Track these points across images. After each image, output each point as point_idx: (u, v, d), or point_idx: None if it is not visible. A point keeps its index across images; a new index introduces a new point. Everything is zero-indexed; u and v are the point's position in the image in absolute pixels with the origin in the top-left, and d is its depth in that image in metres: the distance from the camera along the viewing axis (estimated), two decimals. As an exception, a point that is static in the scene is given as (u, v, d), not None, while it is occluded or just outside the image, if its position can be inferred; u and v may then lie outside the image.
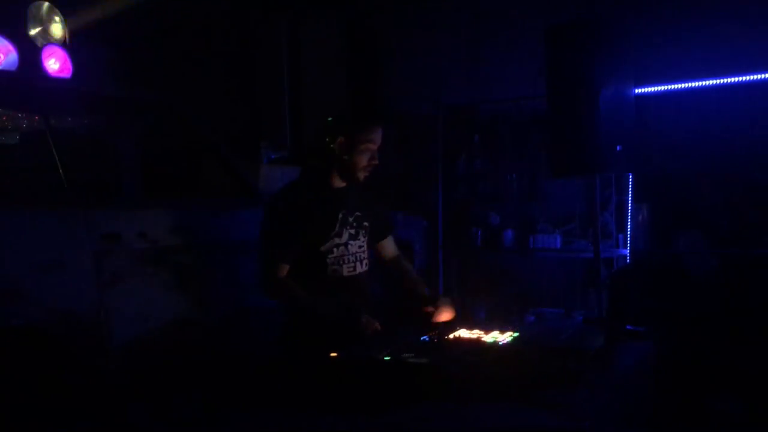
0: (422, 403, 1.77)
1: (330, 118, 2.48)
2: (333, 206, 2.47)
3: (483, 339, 2.23)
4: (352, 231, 2.50)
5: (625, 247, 4.79)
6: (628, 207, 4.78)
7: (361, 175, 2.45)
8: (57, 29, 3.36)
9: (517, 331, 2.34)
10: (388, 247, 2.74)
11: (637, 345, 2.41)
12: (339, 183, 2.50)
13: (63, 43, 3.32)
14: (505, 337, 2.24)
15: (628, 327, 2.50)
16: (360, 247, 2.52)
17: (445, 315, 2.44)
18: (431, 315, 2.44)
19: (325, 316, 2.37)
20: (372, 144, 2.41)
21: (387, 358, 1.94)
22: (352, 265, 2.48)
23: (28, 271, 2.67)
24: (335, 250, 2.44)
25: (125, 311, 2.95)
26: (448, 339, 2.23)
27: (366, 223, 2.56)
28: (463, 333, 2.30)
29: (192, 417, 2.83)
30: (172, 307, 3.14)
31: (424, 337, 2.22)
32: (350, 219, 2.50)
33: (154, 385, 3.00)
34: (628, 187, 4.79)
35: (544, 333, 2.49)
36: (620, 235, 4.84)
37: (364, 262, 2.55)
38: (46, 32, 3.32)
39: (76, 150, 3.10)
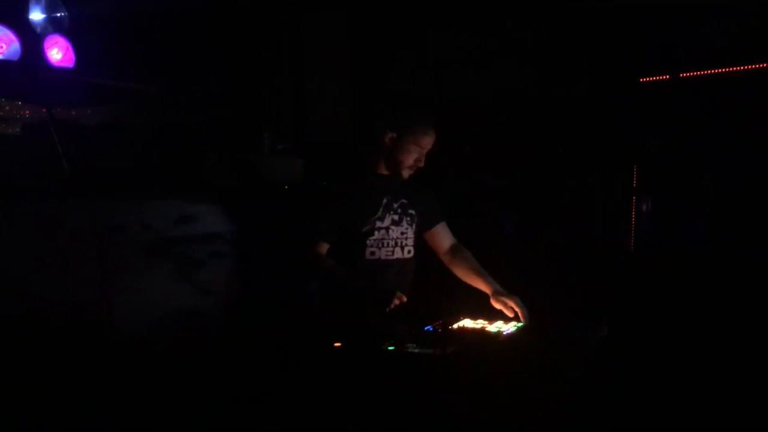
0: (425, 393, 1.77)
1: (382, 108, 2.51)
2: (378, 191, 2.51)
3: (487, 329, 2.23)
4: (396, 217, 2.53)
5: (630, 238, 4.78)
6: (632, 198, 4.77)
7: (405, 173, 2.50)
8: (60, 18, 3.34)
9: (522, 321, 2.34)
10: (442, 236, 2.73)
11: (640, 335, 2.40)
12: (385, 170, 2.54)
13: (66, 33, 3.31)
14: (509, 328, 2.23)
15: (631, 318, 2.50)
16: (402, 233, 2.55)
17: (517, 315, 2.38)
18: (501, 312, 2.41)
19: (353, 290, 2.37)
20: (420, 147, 2.45)
21: (390, 348, 1.94)
22: (391, 249, 2.51)
23: (30, 263, 2.67)
24: (376, 233, 2.47)
25: (129, 303, 2.94)
26: (452, 329, 2.22)
27: (411, 211, 2.58)
28: (467, 323, 2.30)
29: (196, 409, 2.84)
30: (176, 299, 3.14)
31: (428, 327, 2.22)
32: (395, 205, 2.53)
33: (158, 378, 3.01)
34: (633, 178, 4.77)
35: (547, 324, 2.47)
36: (624, 226, 4.82)
37: (406, 249, 2.57)
38: (48, 21, 3.30)
39: (79, 140, 3.09)
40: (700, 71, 4.52)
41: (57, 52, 3.22)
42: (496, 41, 5.30)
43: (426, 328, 2.20)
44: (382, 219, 2.49)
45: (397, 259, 2.54)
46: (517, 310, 2.38)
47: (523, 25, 4.92)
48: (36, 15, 3.27)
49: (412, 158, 2.45)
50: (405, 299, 2.26)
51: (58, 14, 3.35)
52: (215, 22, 5.76)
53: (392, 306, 2.22)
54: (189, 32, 5.55)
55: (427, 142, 2.46)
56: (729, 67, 4.44)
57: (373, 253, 2.48)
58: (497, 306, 2.44)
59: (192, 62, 5.73)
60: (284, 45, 6.15)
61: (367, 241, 2.47)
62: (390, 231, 2.51)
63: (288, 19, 6.11)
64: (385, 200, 2.50)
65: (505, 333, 2.18)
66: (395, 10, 5.78)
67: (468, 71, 5.41)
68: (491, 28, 5.34)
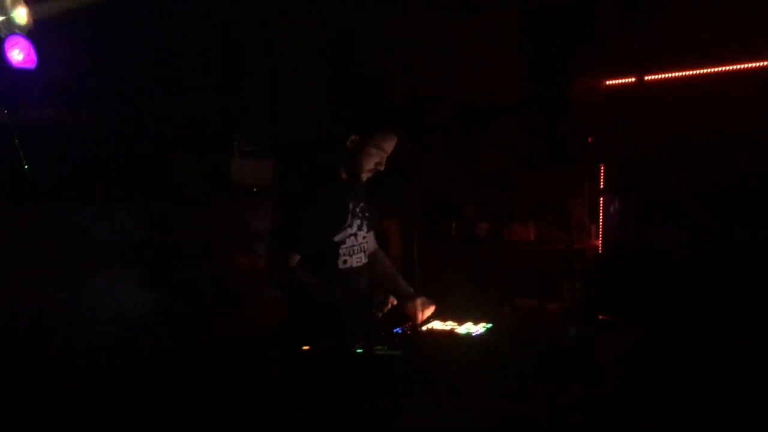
0: (394, 396, 1.76)
1: (346, 112, 2.50)
2: (343, 197, 2.49)
3: (456, 330, 2.23)
4: (359, 222, 2.52)
5: (598, 238, 4.84)
6: (599, 198, 4.82)
7: (364, 177, 2.48)
8: (21, 18, 3.27)
9: (490, 323, 2.34)
10: (373, 241, 2.74)
11: (610, 334, 2.42)
12: (345, 176, 2.52)
13: (27, 33, 3.24)
14: (478, 329, 2.24)
15: (601, 317, 2.52)
16: (364, 237, 2.55)
17: (425, 313, 2.42)
18: (412, 313, 2.42)
19: (337, 300, 2.35)
20: (382, 151, 2.44)
21: (359, 350, 1.93)
22: (359, 255, 2.51)
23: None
24: (347, 240, 2.46)
25: (96, 307, 2.90)
26: (421, 331, 2.22)
27: (368, 215, 2.59)
28: (437, 325, 2.30)
29: (167, 413, 2.80)
30: (143, 303, 3.09)
31: (397, 329, 2.21)
32: (357, 210, 2.52)
33: (127, 383, 2.96)
34: (600, 179, 4.83)
35: (518, 324, 2.49)
36: (593, 227, 4.88)
37: (366, 252, 2.58)
38: (9, 22, 3.23)
39: (42, 143, 3.03)
40: (665, 74, 4.60)
41: (18, 53, 3.15)
42: (466, 42, 5.33)
43: (395, 330, 2.20)
44: (351, 225, 2.48)
45: (363, 264, 2.53)
46: (417, 307, 2.40)
47: (495, 26, 4.96)
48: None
49: (373, 162, 2.43)
50: (395, 302, 2.27)
51: (19, 15, 3.27)
52: (186, 22, 5.70)
53: (385, 310, 2.22)
54: (159, 32, 5.47)
55: (389, 146, 2.44)
56: (694, 70, 4.52)
57: (345, 262, 2.45)
58: (408, 311, 2.44)
59: (161, 62, 5.66)
60: (257, 46, 6.11)
61: (340, 250, 2.44)
62: (357, 237, 2.50)
63: (261, 20, 6.07)
64: (351, 206, 2.49)
65: (474, 334, 2.18)
66: (367, 12, 5.78)
67: (440, 72, 5.43)
68: (463, 29, 5.37)
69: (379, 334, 2.09)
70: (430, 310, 2.43)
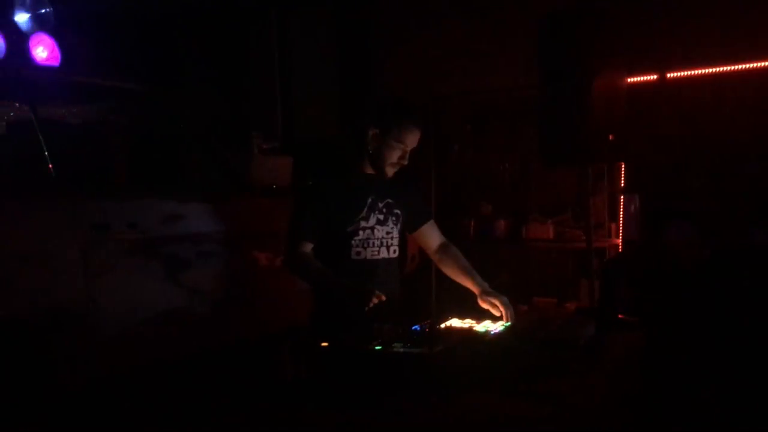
0: (412, 394, 1.76)
1: (367, 105, 2.51)
2: (362, 190, 2.49)
3: (474, 329, 2.22)
4: (381, 216, 2.52)
5: (617, 238, 4.80)
6: (620, 197, 4.78)
7: (389, 171, 2.49)
8: (45, 17, 3.31)
9: (508, 321, 2.34)
10: (431, 235, 2.71)
11: (628, 335, 2.41)
12: (370, 170, 2.53)
13: (51, 31, 3.28)
14: (496, 327, 2.23)
15: (619, 317, 2.50)
16: (388, 233, 2.54)
17: (503, 316, 2.37)
18: (489, 312, 2.40)
19: (334, 290, 2.37)
20: (404, 144, 2.44)
21: (378, 348, 1.93)
22: (377, 249, 2.50)
23: (13, 263, 2.64)
24: (361, 233, 2.46)
25: (114, 303, 2.92)
26: (440, 329, 2.22)
27: (397, 211, 2.57)
28: (455, 322, 2.29)
29: (183, 411, 2.82)
30: (161, 299, 3.12)
31: (416, 326, 2.21)
32: (380, 205, 2.52)
33: (144, 379, 2.99)
34: (621, 177, 4.79)
35: (535, 323, 2.48)
36: (612, 225, 4.84)
37: (392, 248, 2.56)
38: (34, 20, 3.27)
39: (64, 140, 3.06)
40: (687, 71, 4.54)
41: (42, 51, 3.19)
42: (485, 38, 5.31)
43: (413, 328, 2.19)
44: (367, 219, 2.48)
45: (383, 258, 2.53)
46: (502, 310, 2.38)
47: (515, 22, 4.94)
48: (21, 14, 3.24)
49: (395, 155, 2.45)
50: (384, 298, 2.25)
51: (44, 12, 3.31)
52: (204, 21, 5.74)
53: (371, 305, 2.21)
54: (177, 31, 5.52)
55: (411, 139, 2.45)
56: (717, 67, 4.47)
57: (358, 253, 2.47)
58: (484, 306, 2.44)
59: (180, 61, 5.70)
60: (273, 44, 6.13)
61: (352, 241, 2.45)
62: (375, 231, 2.50)
63: (277, 17, 6.09)
64: (370, 200, 2.49)
65: (492, 332, 2.18)
66: (384, 7, 5.78)
67: (458, 69, 5.42)
68: (482, 26, 5.35)
69: (398, 332, 2.09)
70: (504, 316, 2.38)
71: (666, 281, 4.15)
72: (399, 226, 2.59)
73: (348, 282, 2.36)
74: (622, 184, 4.80)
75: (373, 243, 2.49)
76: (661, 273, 4.22)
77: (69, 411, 2.73)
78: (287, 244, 2.44)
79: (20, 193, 2.76)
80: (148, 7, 5.30)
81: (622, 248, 4.75)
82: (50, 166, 2.83)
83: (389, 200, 2.55)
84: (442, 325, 2.25)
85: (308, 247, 2.42)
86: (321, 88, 5.95)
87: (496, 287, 2.51)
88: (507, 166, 5.27)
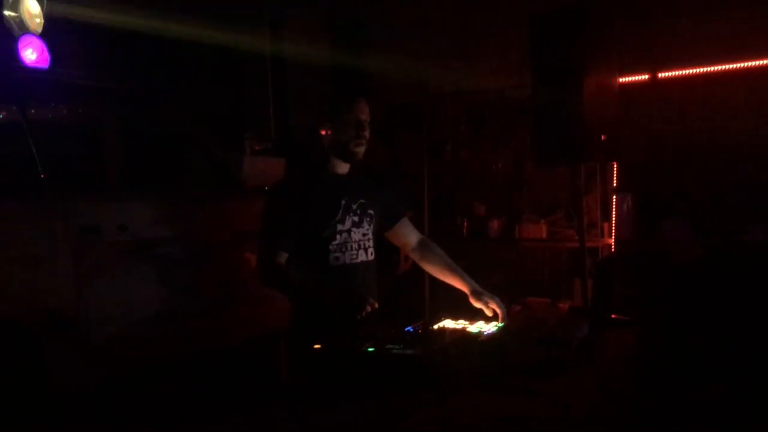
0: (406, 395, 1.75)
1: (316, 116, 2.49)
2: (335, 193, 2.45)
3: (468, 329, 2.22)
4: (356, 218, 2.47)
5: (610, 237, 4.81)
6: (612, 196, 4.79)
7: (357, 150, 2.43)
8: (34, 18, 3.29)
9: (502, 322, 2.33)
10: (406, 232, 2.67)
11: (622, 334, 2.40)
12: (341, 169, 2.48)
13: (40, 33, 3.26)
14: (490, 327, 2.23)
15: (612, 316, 2.50)
16: (364, 234, 2.49)
17: (497, 316, 2.36)
18: (482, 312, 2.38)
19: (319, 298, 2.31)
20: (354, 115, 2.40)
21: (371, 349, 1.92)
22: (355, 252, 2.45)
23: (3, 266, 2.62)
24: (338, 237, 2.41)
25: (105, 306, 2.90)
26: (433, 329, 2.21)
27: (371, 211, 2.53)
28: (448, 323, 2.29)
29: (178, 413, 2.81)
30: (154, 301, 3.09)
31: (408, 327, 2.20)
32: (353, 206, 2.47)
33: (136, 382, 2.97)
34: (613, 177, 4.80)
35: (529, 323, 2.47)
36: (605, 225, 4.85)
37: (369, 250, 2.52)
38: (23, 21, 3.25)
39: (54, 141, 3.04)
40: (678, 71, 4.56)
41: (31, 53, 3.17)
42: (477, 38, 5.32)
43: (406, 329, 2.19)
44: (342, 221, 2.42)
45: (362, 262, 2.47)
46: (497, 310, 2.37)
47: (507, 21, 4.95)
48: (10, 15, 3.22)
49: (352, 130, 2.39)
50: (376, 305, 2.21)
51: (33, 14, 3.29)
52: (196, 21, 5.71)
53: (364, 313, 2.17)
54: (170, 31, 5.49)
55: (358, 108, 2.41)
56: (708, 67, 4.48)
57: (337, 258, 2.41)
58: (477, 305, 2.42)
59: (172, 61, 5.68)
60: (266, 44, 6.12)
61: (330, 246, 2.40)
62: (352, 233, 2.44)
63: (270, 17, 6.07)
64: (343, 201, 2.44)
65: (485, 333, 2.17)
66: (377, 6, 5.77)
67: (451, 69, 5.42)
68: (474, 26, 5.35)
69: (391, 333, 2.08)
70: (497, 309, 2.37)
71: (660, 280, 4.16)
72: (373, 227, 2.55)
73: (338, 289, 2.30)
74: (615, 184, 4.81)
75: (351, 246, 2.43)
76: (655, 272, 4.23)
77: (61, 414, 2.71)
78: (260, 256, 2.35)
79: (10, 196, 2.74)
80: (139, 7, 5.28)
81: (615, 247, 4.76)
82: (40, 168, 2.81)
83: (362, 200, 2.49)
84: (435, 326, 2.25)
85: (284, 257, 2.34)
86: (315, 88, 5.94)
87: (491, 288, 2.49)
88: (500, 166, 5.28)
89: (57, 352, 2.75)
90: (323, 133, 2.42)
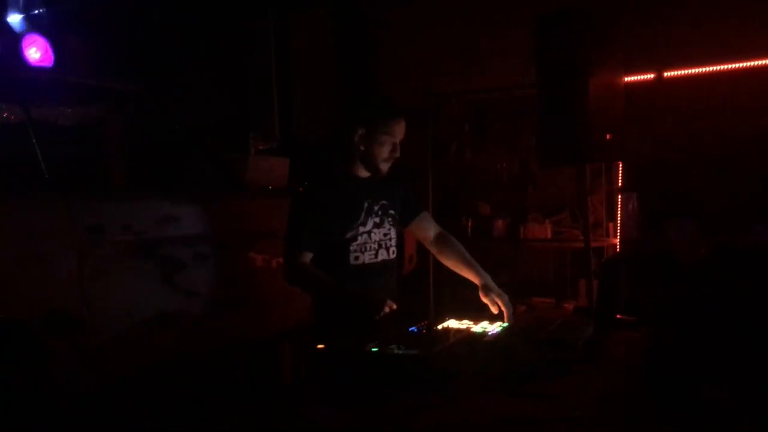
0: (410, 395, 1.74)
1: (350, 108, 2.48)
2: (358, 196, 2.47)
3: (472, 329, 2.21)
4: (377, 219, 2.50)
5: (616, 237, 4.79)
6: (618, 196, 4.77)
7: (383, 167, 2.46)
8: (38, 17, 3.29)
9: (507, 322, 2.32)
10: (426, 227, 2.69)
11: (627, 334, 2.39)
12: (363, 173, 2.50)
13: (44, 32, 3.26)
14: (494, 328, 2.21)
15: (618, 316, 2.49)
16: (385, 234, 2.52)
17: (502, 315, 2.36)
18: (486, 312, 2.38)
19: (343, 299, 2.34)
20: (391, 136, 2.42)
21: (374, 349, 1.92)
22: (374, 252, 2.48)
23: (7, 265, 2.62)
24: (359, 238, 2.44)
25: (109, 306, 2.90)
26: (437, 330, 2.20)
27: (392, 212, 2.56)
28: (452, 323, 2.28)
29: (182, 413, 2.80)
30: (157, 301, 3.09)
31: (413, 327, 2.19)
32: (375, 208, 2.50)
33: (142, 381, 2.97)
34: (618, 176, 4.78)
35: (534, 323, 2.46)
36: (610, 225, 4.83)
37: (391, 249, 2.55)
38: (26, 20, 3.25)
39: (58, 141, 3.05)
40: (684, 70, 4.54)
41: (35, 52, 3.17)
42: (482, 37, 5.30)
43: (410, 329, 2.18)
44: (365, 224, 2.45)
45: (382, 260, 2.51)
46: (503, 308, 2.37)
47: (512, 21, 4.93)
48: (14, 14, 3.22)
49: (386, 150, 2.42)
50: (395, 306, 2.24)
51: (37, 13, 3.29)
52: (200, 21, 5.72)
53: (383, 314, 2.19)
54: (173, 31, 5.50)
55: (398, 129, 2.42)
56: (713, 66, 4.46)
57: (357, 258, 2.44)
58: (484, 300, 2.43)
59: (176, 61, 5.68)
60: (271, 44, 6.12)
61: (351, 247, 2.42)
62: (372, 234, 2.47)
63: (275, 17, 6.07)
64: (366, 204, 2.47)
65: (490, 333, 2.16)
66: (381, 6, 5.77)
67: (456, 68, 5.41)
68: (479, 25, 5.34)
69: (395, 333, 2.07)
70: (504, 307, 2.37)
71: (665, 280, 4.14)
72: (395, 227, 2.58)
73: (357, 290, 2.34)
74: (620, 183, 4.79)
75: (371, 247, 2.47)
76: (661, 271, 4.21)
77: (66, 413, 2.71)
78: (287, 256, 2.40)
79: (14, 195, 2.74)
80: (144, 7, 5.29)
81: (620, 247, 4.74)
82: (44, 167, 2.81)
83: (384, 202, 2.53)
84: (440, 326, 2.24)
85: (308, 257, 2.39)
86: (319, 88, 5.94)
87: (498, 286, 2.49)
88: (505, 166, 5.26)
89: (60, 352, 2.75)
90: (359, 133, 2.41)
